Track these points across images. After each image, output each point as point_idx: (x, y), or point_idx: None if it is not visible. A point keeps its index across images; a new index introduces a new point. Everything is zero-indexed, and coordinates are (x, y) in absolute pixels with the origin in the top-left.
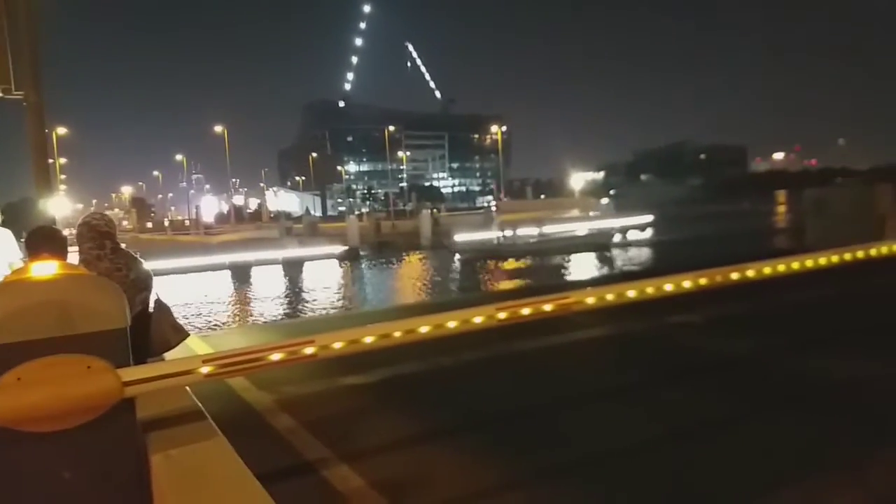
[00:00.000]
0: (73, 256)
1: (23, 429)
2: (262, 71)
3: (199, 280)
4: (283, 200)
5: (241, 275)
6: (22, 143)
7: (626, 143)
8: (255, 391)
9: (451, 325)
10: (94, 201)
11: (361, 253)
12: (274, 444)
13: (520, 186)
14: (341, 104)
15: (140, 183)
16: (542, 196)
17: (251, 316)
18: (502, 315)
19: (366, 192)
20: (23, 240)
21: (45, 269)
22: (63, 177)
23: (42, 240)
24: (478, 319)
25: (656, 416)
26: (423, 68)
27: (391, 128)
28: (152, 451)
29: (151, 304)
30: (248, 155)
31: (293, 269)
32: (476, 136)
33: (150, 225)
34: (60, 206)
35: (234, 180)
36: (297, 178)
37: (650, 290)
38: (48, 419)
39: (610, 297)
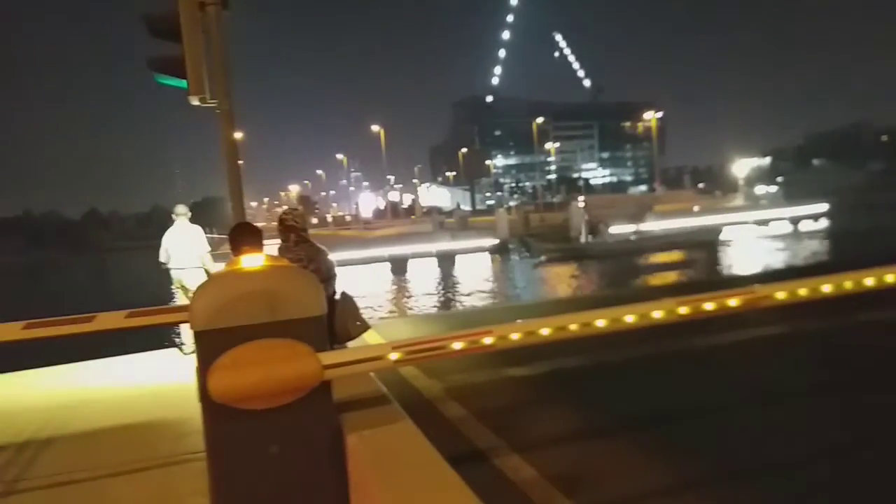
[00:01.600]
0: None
1: (237, 406)
2: (415, 71)
3: (361, 272)
4: (435, 195)
5: (398, 267)
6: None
7: (794, 125)
8: (424, 379)
9: (629, 319)
10: (265, 199)
11: (510, 246)
12: (446, 431)
13: (676, 175)
14: (489, 99)
15: (306, 181)
16: (700, 185)
17: (412, 307)
18: (684, 310)
19: (514, 185)
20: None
21: (254, 261)
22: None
23: (243, 234)
24: (657, 314)
25: (850, 421)
26: (570, 58)
27: (539, 120)
28: (347, 431)
29: (337, 295)
30: (402, 152)
31: (447, 261)
32: (627, 123)
33: (314, 221)
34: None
35: (389, 177)
36: (448, 173)
37: (848, 284)
38: (259, 398)
39: (803, 291)
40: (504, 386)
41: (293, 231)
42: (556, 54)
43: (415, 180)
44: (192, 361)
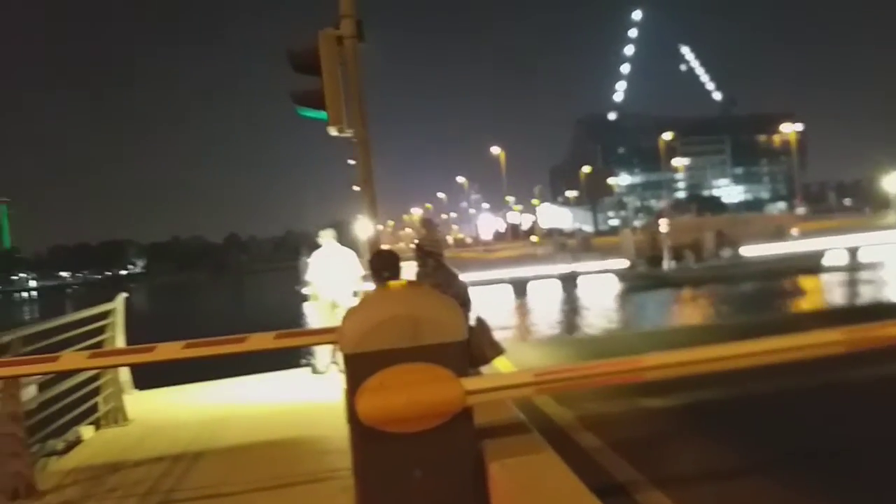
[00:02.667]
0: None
1: (383, 428)
2: (534, 90)
3: (482, 294)
4: (556, 216)
5: (519, 289)
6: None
7: None
8: (554, 406)
9: (790, 347)
10: (389, 222)
11: (639, 269)
12: (581, 461)
13: (819, 191)
14: (612, 116)
15: (427, 205)
16: (846, 201)
17: (536, 330)
18: (845, 338)
19: (639, 204)
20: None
21: (398, 286)
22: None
23: (383, 260)
24: (819, 341)
25: None
26: (698, 70)
27: (666, 135)
28: (489, 459)
29: (471, 320)
30: (521, 173)
31: (569, 284)
32: (763, 137)
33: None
34: (366, 229)
35: (509, 198)
36: (569, 193)
37: None
38: (403, 421)
39: None
40: (640, 417)
41: (431, 256)
42: (683, 67)
43: (534, 201)
44: (323, 381)
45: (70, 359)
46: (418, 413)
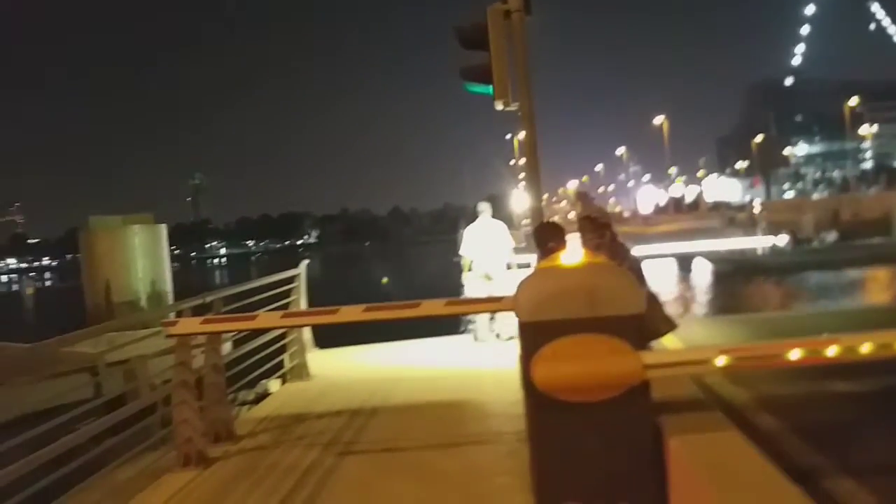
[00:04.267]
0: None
1: (556, 396)
2: (701, 56)
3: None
4: (723, 188)
5: (684, 265)
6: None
7: None
8: (729, 386)
9: None
10: (545, 195)
11: (815, 245)
12: (760, 444)
13: None
14: (788, 81)
15: (585, 177)
16: None
17: (703, 308)
18: None
19: (819, 175)
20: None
21: (573, 257)
22: (522, 175)
23: (549, 232)
24: None
25: None
26: (890, 29)
27: (851, 101)
28: (668, 434)
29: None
30: (686, 143)
31: (740, 261)
32: None
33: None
34: (522, 201)
35: (671, 170)
36: (739, 164)
37: None
38: (577, 390)
39: None
40: (824, 400)
41: (608, 228)
42: (872, 26)
43: (698, 173)
44: (484, 348)
45: (266, 318)
46: (593, 383)
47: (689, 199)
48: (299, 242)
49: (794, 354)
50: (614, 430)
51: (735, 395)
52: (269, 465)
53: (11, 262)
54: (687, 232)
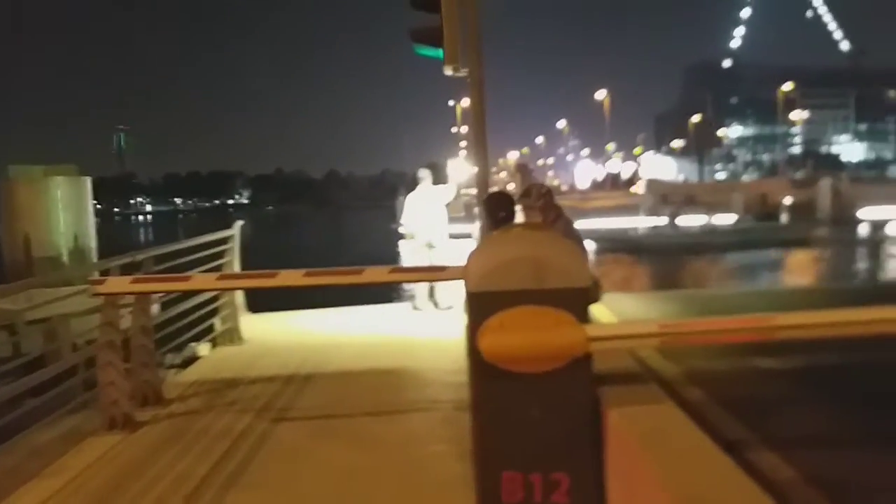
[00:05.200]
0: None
1: (501, 366)
2: (645, 34)
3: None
4: (659, 166)
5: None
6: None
7: None
8: (659, 360)
9: None
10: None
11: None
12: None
13: None
14: (727, 63)
15: (524, 149)
16: None
17: (633, 284)
18: None
19: (750, 158)
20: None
21: (520, 229)
22: (464, 143)
23: (500, 202)
24: None
25: None
26: (826, 17)
27: (786, 86)
28: (607, 405)
29: None
30: (624, 119)
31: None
32: (893, 92)
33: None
34: (461, 170)
35: (610, 145)
36: (674, 143)
37: None
38: (522, 360)
39: None
40: (751, 376)
41: (547, 200)
42: (809, 14)
43: (636, 149)
44: (421, 317)
45: (200, 279)
46: (539, 354)
47: (625, 175)
48: (230, 202)
49: (734, 330)
50: (556, 401)
51: (666, 368)
52: (199, 430)
53: None
54: (622, 207)
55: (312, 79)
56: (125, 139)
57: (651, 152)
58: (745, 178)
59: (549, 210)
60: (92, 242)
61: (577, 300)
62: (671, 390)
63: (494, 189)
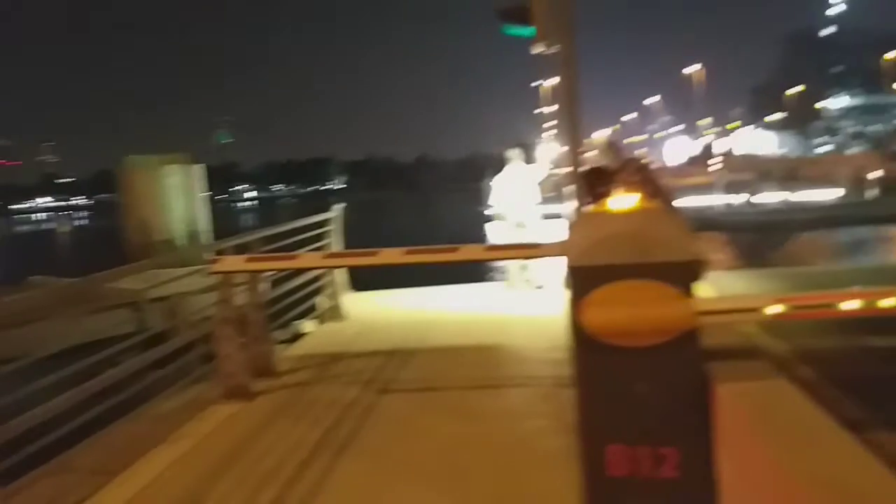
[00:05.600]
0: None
1: (605, 340)
2: (736, 3)
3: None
4: (757, 141)
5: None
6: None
7: None
8: (766, 337)
9: None
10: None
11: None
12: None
13: None
14: (829, 31)
15: (615, 126)
16: None
17: (733, 261)
18: None
19: (855, 130)
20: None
21: (623, 202)
22: (549, 124)
23: (598, 177)
24: None
25: None
26: None
27: (891, 55)
28: (717, 381)
29: None
30: (719, 93)
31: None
32: None
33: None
34: (550, 150)
35: (704, 121)
36: (772, 116)
37: None
38: (628, 335)
39: None
40: (866, 356)
41: (650, 179)
42: None
43: (731, 124)
44: (516, 295)
45: (307, 258)
46: (643, 328)
47: (721, 150)
48: (325, 188)
49: (852, 305)
50: (663, 375)
51: (773, 345)
52: (309, 400)
53: (46, 200)
54: (717, 185)
55: (403, 64)
56: (225, 134)
57: (748, 127)
58: (850, 151)
59: (648, 184)
60: (203, 226)
61: (683, 274)
62: (781, 368)
63: (591, 165)
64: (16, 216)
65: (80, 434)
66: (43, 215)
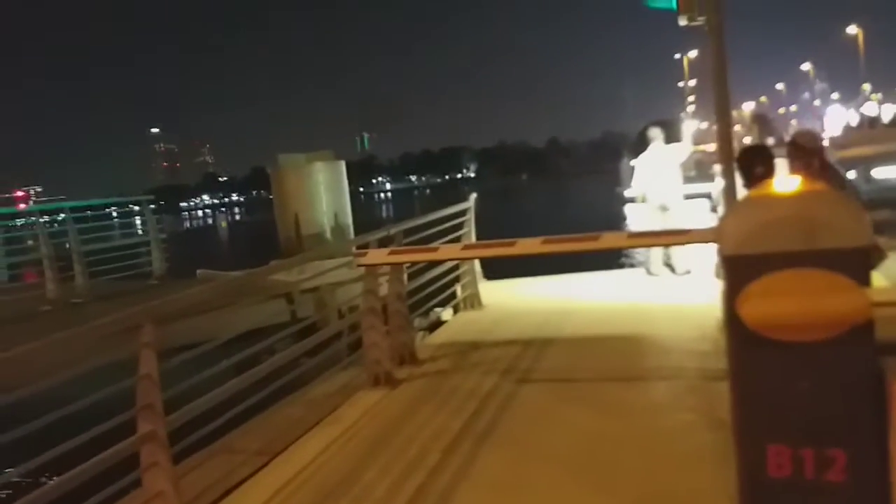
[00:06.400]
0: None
1: (766, 334)
2: None
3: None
4: None
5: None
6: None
7: None
8: None
9: None
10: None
11: None
12: None
13: None
14: None
15: (762, 97)
16: None
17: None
18: None
19: None
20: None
21: (788, 184)
22: (692, 97)
23: (756, 156)
24: None
25: None
26: None
27: None
28: (892, 378)
29: None
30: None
31: None
32: None
33: (770, 141)
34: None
35: (865, 86)
36: None
37: None
38: (792, 329)
39: None
40: None
41: (815, 155)
42: None
43: None
44: (656, 282)
45: (446, 250)
46: (810, 322)
47: (885, 118)
48: (459, 177)
49: None
50: (831, 372)
51: None
52: (450, 388)
53: (206, 198)
54: (887, 154)
55: (531, 46)
56: (367, 139)
57: None
58: None
59: (814, 159)
60: (349, 219)
61: (856, 262)
62: None
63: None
64: (183, 213)
65: (243, 417)
66: (207, 211)
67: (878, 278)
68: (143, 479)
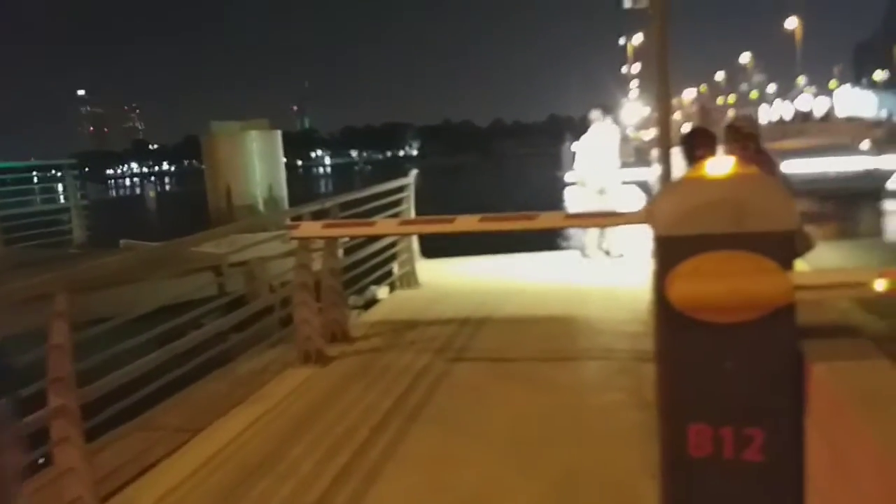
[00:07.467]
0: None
1: (692, 315)
2: None
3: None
4: (859, 101)
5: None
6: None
7: None
8: (859, 313)
9: None
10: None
11: None
12: None
13: None
14: None
15: (702, 86)
16: None
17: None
18: None
19: None
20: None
21: (720, 167)
22: (636, 82)
23: (699, 139)
24: None
25: None
26: None
27: None
28: (810, 360)
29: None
30: (818, 51)
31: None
32: None
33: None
34: (633, 112)
35: (800, 79)
36: (878, 74)
37: None
38: (717, 310)
39: None
40: None
41: (752, 139)
42: None
43: (831, 83)
44: (591, 264)
45: (384, 224)
46: (735, 303)
47: (817, 112)
48: (401, 154)
49: None
50: (753, 353)
51: (871, 323)
52: (383, 366)
53: (134, 166)
54: (813, 148)
55: (477, 27)
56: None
57: (849, 86)
58: None
59: (749, 143)
60: (283, 192)
61: (781, 246)
62: (880, 347)
63: (692, 126)
64: (110, 181)
65: (165, 393)
66: (135, 180)
67: (801, 265)
68: (53, 455)
